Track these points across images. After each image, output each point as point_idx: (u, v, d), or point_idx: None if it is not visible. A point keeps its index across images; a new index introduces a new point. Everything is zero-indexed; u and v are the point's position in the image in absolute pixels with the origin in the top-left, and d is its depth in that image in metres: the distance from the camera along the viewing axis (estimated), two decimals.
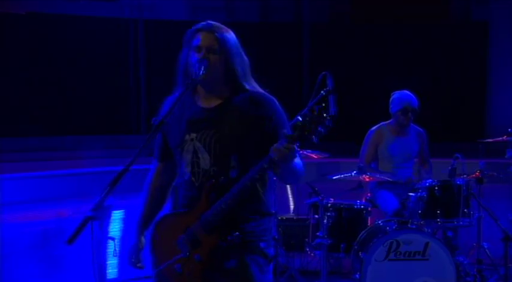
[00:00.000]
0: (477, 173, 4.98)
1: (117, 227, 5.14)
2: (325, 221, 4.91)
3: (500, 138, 5.09)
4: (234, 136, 2.63)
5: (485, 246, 5.15)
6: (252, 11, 8.42)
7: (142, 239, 2.80)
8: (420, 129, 5.39)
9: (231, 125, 2.63)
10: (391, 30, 7.79)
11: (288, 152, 2.42)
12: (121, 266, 5.03)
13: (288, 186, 5.45)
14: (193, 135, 2.65)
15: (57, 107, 7.39)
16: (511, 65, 7.28)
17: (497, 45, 7.57)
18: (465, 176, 4.92)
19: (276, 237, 4.81)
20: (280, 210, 5.36)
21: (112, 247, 5.11)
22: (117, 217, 5.25)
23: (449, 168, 4.86)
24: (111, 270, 5.13)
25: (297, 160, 2.55)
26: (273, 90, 2.79)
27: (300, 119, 2.45)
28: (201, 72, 2.60)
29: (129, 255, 2.81)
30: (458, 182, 4.75)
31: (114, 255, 5.10)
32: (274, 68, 7.39)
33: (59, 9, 7.43)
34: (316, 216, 5.06)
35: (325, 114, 2.42)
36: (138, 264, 2.80)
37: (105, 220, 2.51)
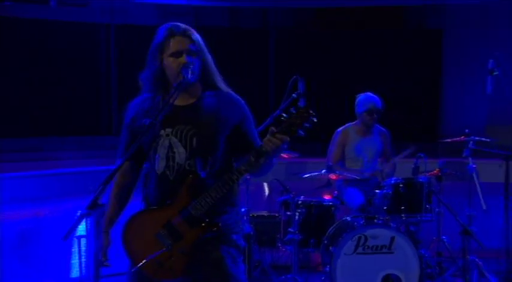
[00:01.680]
0: (436, 171, 5.04)
1: (82, 226, 5.04)
2: (296, 217, 4.92)
3: (458, 139, 5.15)
4: (209, 132, 2.64)
5: (445, 240, 5.24)
6: (220, 16, 8.39)
7: (108, 236, 2.73)
8: (384, 129, 5.46)
9: (206, 122, 2.65)
10: (352, 36, 7.85)
11: (280, 143, 2.46)
12: (86, 265, 4.95)
13: (264, 184, 5.44)
14: (169, 130, 2.64)
15: (28, 108, 7.19)
16: (464, 72, 7.42)
17: (451, 53, 7.71)
18: (427, 174, 4.98)
19: (251, 233, 4.81)
20: (252, 207, 5.34)
21: (77, 246, 5.05)
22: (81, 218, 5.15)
23: (413, 166, 4.94)
24: (76, 269, 5.04)
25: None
26: (241, 93, 2.82)
27: (286, 115, 2.51)
28: (190, 77, 2.61)
29: (96, 253, 2.67)
30: (420, 180, 4.83)
31: (80, 254, 5.03)
32: (242, 71, 7.38)
33: (30, 13, 7.27)
34: (288, 213, 5.06)
35: (310, 111, 2.49)
36: (105, 263, 2.71)
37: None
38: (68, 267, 5.06)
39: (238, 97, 2.75)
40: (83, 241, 4.95)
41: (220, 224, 2.62)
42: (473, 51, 7.21)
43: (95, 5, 7.68)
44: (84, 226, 5.04)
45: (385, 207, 4.77)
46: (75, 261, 5.10)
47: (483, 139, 5.17)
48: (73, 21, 7.47)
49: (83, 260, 5.02)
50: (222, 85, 2.75)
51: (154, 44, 2.70)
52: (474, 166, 4.99)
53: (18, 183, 5.59)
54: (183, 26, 2.69)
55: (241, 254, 2.71)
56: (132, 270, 2.65)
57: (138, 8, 8.16)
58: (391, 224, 4.66)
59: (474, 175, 4.97)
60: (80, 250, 5.02)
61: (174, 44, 2.64)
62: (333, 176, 5.05)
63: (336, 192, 5.32)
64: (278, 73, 7.64)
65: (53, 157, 6.86)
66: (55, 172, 6.11)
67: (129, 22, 7.96)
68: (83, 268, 4.96)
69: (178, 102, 2.66)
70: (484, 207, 4.89)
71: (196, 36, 2.69)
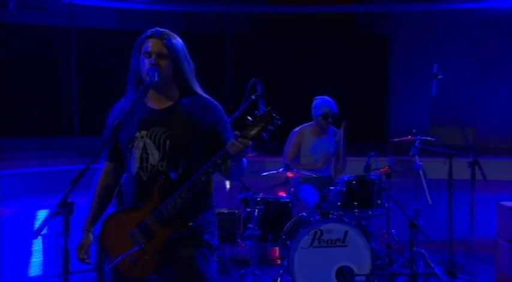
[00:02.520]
0: (386, 169, 5.13)
1: (38, 227, 4.97)
2: (255, 213, 4.95)
3: (406, 138, 5.25)
4: (183, 135, 2.64)
5: (394, 233, 5.35)
6: (177, 21, 8.37)
7: (90, 235, 2.73)
8: (337, 130, 5.49)
9: (181, 126, 2.64)
10: (305, 41, 7.93)
11: (243, 147, 2.48)
12: (46, 263, 4.87)
13: (227, 182, 5.45)
14: (144, 132, 2.64)
15: None
16: (410, 75, 7.56)
17: (397, 57, 7.85)
18: (377, 171, 5.08)
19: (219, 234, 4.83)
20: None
21: (38, 245, 4.97)
22: (42, 216, 5.08)
23: (364, 164, 5.04)
24: (35, 268, 4.96)
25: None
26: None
27: (251, 118, 2.51)
28: (155, 78, 2.61)
29: (77, 251, 2.71)
30: (372, 177, 4.92)
31: (41, 253, 4.95)
32: (200, 74, 7.33)
33: None
34: (247, 209, 5.09)
35: (274, 115, 2.49)
36: (87, 260, 2.72)
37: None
38: (27, 266, 4.97)
39: (214, 102, 2.73)
40: (45, 239, 4.88)
41: (191, 224, 2.61)
42: (418, 56, 7.37)
43: (56, 8, 7.56)
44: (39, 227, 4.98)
45: (339, 203, 4.83)
46: (36, 259, 5.01)
47: (428, 138, 5.26)
48: (34, 24, 7.34)
49: (40, 258, 4.96)
50: (199, 90, 2.73)
51: (135, 46, 2.69)
52: (420, 164, 5.09)
53: None
54: (164, 31, 2.68)
55: (213, 254, 2.70)
56: (109, 267, 2.67)
57: (98, 12, 8.07)
58: (345, 218, 4.70)
59: (421, 172, 5.07)
60: (43, 248, 4.95)
61: (148, 44, 2.63)
62: (289, 174, 5.09)
63: (292, 189, 5.36)
64: (235, 75, 7.68)
65: (13, 158, 6.72)
66: (15, 172, 5.99)
67: (90, 25, 7.87)
68: (45, 266, 4.89)
69: (155, 105, 2.67)
70: (430, 202, 4.98)
71: (173, 41, 2.65)
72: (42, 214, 5.15)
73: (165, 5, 8.30)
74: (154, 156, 2.62)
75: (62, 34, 7.35)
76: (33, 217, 5.14)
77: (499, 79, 7.15)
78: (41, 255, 4.94)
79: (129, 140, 2.65)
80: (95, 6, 7.88)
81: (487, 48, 7.32)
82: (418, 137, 5.16)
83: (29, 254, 5.05)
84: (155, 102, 2.68)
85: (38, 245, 4.99)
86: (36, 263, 5.00)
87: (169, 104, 2.68)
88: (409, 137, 5.21)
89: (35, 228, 4.90)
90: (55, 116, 7.38)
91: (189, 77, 2.70)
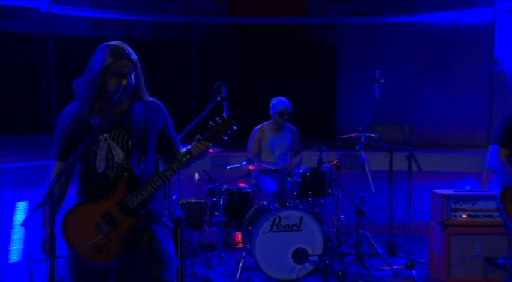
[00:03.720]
0: (336, 162, 5.16)
1: (21, 216, 4.89)
2: (220, 202, 4.99)
3: (352, 135, 5.29)
4: (142, 135, 2.66)
5: (342, 218, 5.41)
6: (148, 30, 8.27)
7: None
8: (293, 127, 5.57)
9: (138, 126, 2.67)
10: (263, 49, 7.92)
11: (205, 148, 2.58)
12: (24, 250, 4.81)
13: (195, 175, 5.45)
14: (106, 135, 2.63)
15: None
16: (355, 79, 7.62)
17: (344, 64, 7.90)
18: (328, 164, 5.12)
19: (182, 217, 4.83)
20: (183, 195, 5.34)
21: (18, 234, 4.89)
22: (21, 207, 5.00)
23: (317, 158, 5.07)
24: (16, 254, 4.89)
25: None
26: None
27: (212, 123, 2.59)
28: (126, 94, 2.64)
29: (43, 246, 2.61)
30: (323, 169, 4.98)
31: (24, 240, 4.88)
32: (168, 79, 7.28)
33: None
34: (213, 199, 5.11)
35: (233, 120, 2.58)
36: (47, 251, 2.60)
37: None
38: (6, 253, 4.89)
39: (160, 104, 2.78)
40: (27, 228, 4.80)
41: (153, 210, 2.65)
42: (363, 63, 7.45)
43: (34, 17, 7.39)
44: (23, 216, 4.91)
45: (295, 193, 4.89)
46: (15, 247, 4.93)
47: (372, 135, 5.30)
48: (14, 31, 7.14)
49: (20, 246, 4.89)
50: (147, 95, 2.76)
51: (97, 60, 2.64)
52: (365, 157, 5.15)
53: None
54: (125, 49, 2.66)
55: (170, 232, 2.75)
56: (72, 255, 2.62)
57: (75, 20, 7.93)
58: (300, 206, 4.78)
59: (365, 164, 5.13)
60: (24, 236, 4.87)
61: (119, 66, 2.61)
62: (251, 167, 5.15)
63: (253, 180, 5.39)
64: (201, 80, 7.64)
65: None
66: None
67: (67, 33, 7.72)
68: (27, 253, 4.81)
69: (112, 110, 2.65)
70: (373, 190, 5.07)
71: (135, 56, 2.68)
72: (21, 205, 5.04)
73: (137, 15, 8.20)
74: (119, 156, 2.63)
75: (40, 40, 7.17)
76: (13, 208, 5.03)
77: (433, 84, 7.33)
78: (22, 243, 4.86)
79: (93, 142, 2.61)
80: (72, 16, 7.73)
81: (423, 57, 7.49)
82: (363, 134, 5.22)
83: (9, 241, 4.94)
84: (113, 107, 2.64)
85: (18, 233, 4.90)
86: (17, 250, 4.91)
87: (123, 108, 2.68)
88: (355, 134, 5.27)
89: (21, 218, 4.83)
90: (34, 115, 7.18)
91: (142, 85, 2.73)
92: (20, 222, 4.45)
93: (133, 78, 2.63)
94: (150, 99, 2.76)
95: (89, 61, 2.74)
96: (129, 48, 2.69)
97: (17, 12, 7.42)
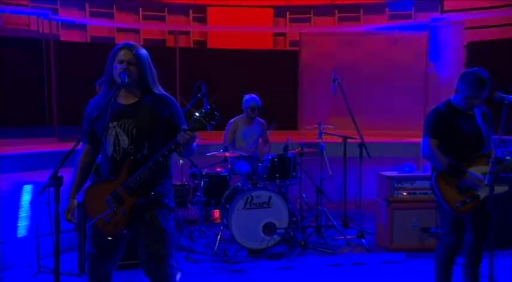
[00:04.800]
0: (299, 149, 5.15)
1: (28, 197, 4.81)
2: (201, 184, 4.98)
3: (313, 127, 5.32)
4: (146, 124, 2.63)
5: (305, 197, 5.41)
6: (137, 36, 8.15)
7: (75, 201, 2.70)
8: (262, 120, 5.57)
9: (144, 117, 2.63)
10: (237, 54, 7.88)
11: (190, 138, 2.51)
12: (37, 225, 4.72)
13: (180, 160, 5.40)
14: (115, 123, 2.62)
15: None
16: (315, 80, 7.63)
17: (305, 66, 7.92)
18: (293, 151, 5.12)
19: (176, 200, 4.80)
20: None
21: (25, 212, 4.81)
22: (28, 189, 4.92)
23: (284, 146, 5.05)
24: (22, 230, 4.81)
25: (195, 142, 2.62)
26: None
27: (198, 115, 2.53)
28: (126, 80, 2.60)
29: (66, 213, 2.68)
30: (289, 156, 4.97)
31: (28, 218, 4.80)
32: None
33: None
34: (195, 181, 5.11)
35: (215, 113, 2.53)
36: (73, 220, 2.70)
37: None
38: (15, 229, 4.81)
39: (170, 97, 2.71)
40: (35, 206, 4.71)
41: (152, 193, 2.62)
42: (321, 66, 7.48)
43: (38, 25, 7.23)
44: (29, 197, 4.82)
45: (265, 176, 4.90)
46: (23, 224, 4.85)
47: (329, 127, 5.35)
48: (19, 37, 6.96)
49: (26, 223, 4.82)
50: (158, 89, 2.71)
51: (110, 55, 2.65)
52: (323, 145, 5.20)
53: None
54: (134, 43, 2.66)
55: (171, 213, 2.71)
56: (89, 223, 2.67)
57: (71, 27, 7.78)
58: (269, 187, 4.79)
59: (324, 151, 5.18)
60: (32, 214, 4.79)
61: (121, 54, 2.61)
62: (227, 154, 5.13)
63: (229, 165, 5.38)
64: (183, 80, 7.57)
65: (4, 143, 6.37)
66: (5, 155, 5.68)
67: (65, 39, 7.57)
68: (36, 228, 4.74)
69: (123, 101, 2.65)
70: (330, 173, 5.16)
71: (140, 52, 2.64)
72: (28, 187, 4.96)
73: (127, 24, 8.09)
74: (124, 142, 2.61)
75: (42, 45, 7.01)
76: (21, 190, 4.94)
77: (379, 84, 7.42)
78: (29, 220, 4.77)
79: (105, 129, 2.63)
80: (69, 23, 7.58)
81: (371, 61, 7.55)
82: (322, 126, 5.26)
83: (17, 219, 4.86)
84: (123, 99, 2.66)
85: (25, 211, 4.82)
86: (24, 226, 4.83)
87: (134, 100, 2.67)
88: (315, 125, 5.30)
89: (28, 198, 4.74)
90: (37, 109, 7.02)
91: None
92: (27, 201, 4.37)
93: (126, 76, 2.59)
94: (160, 93, 2.70)
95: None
96: (138, 47, 2.66)
97: (22, 20, 7.26)
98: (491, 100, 3.02)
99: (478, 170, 3.17)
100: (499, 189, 2.98)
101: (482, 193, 3.14)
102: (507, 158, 3.18)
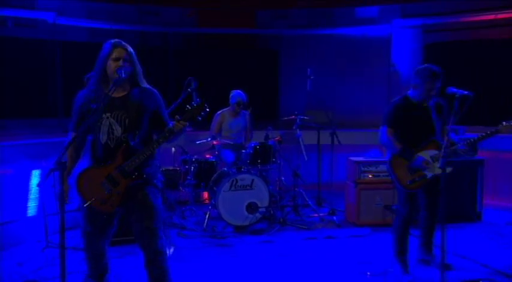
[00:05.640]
0: (278, 138, 5.17)
1: (36, 180, 4.77)
2: (191, 169, 4.98)
3: (291, 117, 5.33)
4: (136, 115, 2.63)
5: (283, 180, 5.43)
6: (133, 37, 8.03)
7: (68, 183, 2.66)
8: (246, 112, 5.48)
9: (134, 108, 2.63)
10: (224, 53, 7.84)
11: (182, 127, 2.53)
12: (39, 206, 4.70)
13: (172, 148, 5.38)
14: (108, 114, 2.61)
15: None
16: (293, 76, 7.64)
17: (285, 64, 7.91)
18: (273, 139, 5.16)
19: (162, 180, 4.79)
20: (162, 164, 5.28)
21: (34, 194, 4.77)
22: (36, 174, 4.88)
23: (265, 135, 5.05)
24: (33, 209, 4.79)
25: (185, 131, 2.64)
26: None
27: (189, 107, 2.55)
28: (123, 76, 2.59)
29: (60, 194, 2.63)
30: (269, 143, 4.95)
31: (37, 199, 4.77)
32: (151, 80, 7.11)
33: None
34: (186, 166, 5.09)
35: (205, 105, 2.55)
36: (68, 201, 2.65)
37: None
38: (25, 209, 4.77)
39: (154, 91, 2.73)
40: (42, 188, 4.67)
41: (144, 175, 2.63)
42: (298, 64, 7.49)
43: (44, 26, 7.09)
44: (37, 180, 4.78)
45: (248, 161, 4.88)
46: (32, 204, 4.82)
47: (305, 118, 5.36)
48: (27, 37, 6.82)
49: (35, 203, 4.78)
50: (145, 83, 2.71)
51: (103, 52, 2.61)
52: (300, 134, 5.21)
53: None
54: (122, 43, 2.65)
55: (159, 192, 2.74)
56: (85, 205, 2.63)
57: (75, 29, 7.63)
58: (252, 171, 4.80)
59: (300, 140, 5.19)
60: (40, 195, 4.76)
61: (115, 52, 2.59)
62: (215, 142, 5.13)
63: (216, 152, 5.35)
64: (177, 77, 7.50)
65: (12, 133, 6.29)
66: (14, 143, 5.60)
67: (69, 39, 7.42)
68: (43, 208, 4.71)
69: (115, 94, 2.63)
70: (306, 158, 5.16)
71: (130, 50, 2.65)
72: (36, 172, 4.93)
73: (125, 25, 7.96)
74: (118, 131, 2.61)
75: (48, 45, 6.88)
76: (29, 175, 4.90)
77: (348, 81, 7.48)
78: (38, 201, 4.74)
79: (99, 120, 2.60)
80: (73, 25, 7.44)
81: (342, 60, 7.60)
82: (298, 117, 5.26)
83: (27, 200, 4.83)
84: (115, 92, 2.62)
85: (34, 193, 4.79)
86: (33, 207, 4.80)
87: (124, 93, 2.65)
88: (293, 116, 5.30)
89: (36, 181, 4.70)
90: (43, 103, 6.91)
91: (139, 75, 2.68)
92: (36, 184, 4.34)
93: (123, 72, 2.58)
94: (147, 86, 2.70)
95: (89, 59, 2.68)
96: (126, 44, 2.65)
97: (29, 22, 7.12)
98: (445, 94, 3.08)
99: (427, 154, 3.27)
100: (446, 170, 3.04)
101: (429, 173, 3.24)
102: (459, 146, 3.26)
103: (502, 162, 5.58)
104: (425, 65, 3.34)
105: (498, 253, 3.91)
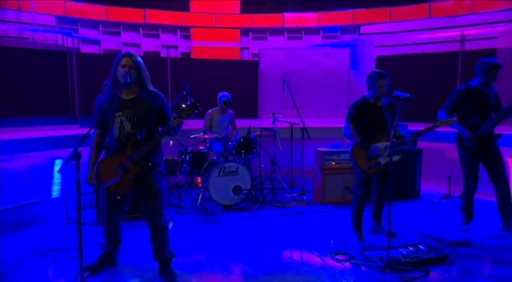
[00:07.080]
0: (259, 133, 5.18)
1: (58, 168, 4.69)
2: (187, 159, 4.93)
3: (270, 116, 5.36)
4: (143, 114, 2.62)
5: (263, 167, 5.41)
6: (137, 48, 7.90)
7: (93, 170, 2.67)
8: (232, 111, 5.50)
9: (141, 108, 2.62)
10: (214, 64, 7.78)
11: (179, 123, 2.56)
12: (62, 190, 4.65)
13: (170, 141, 5.32)
14: (120, 113, 2.60)
15: (24, 101, 6.27)
16: (270, 82, 7.65)
17: (264, 72, 7.91)
18: (254, 133, 5.16)
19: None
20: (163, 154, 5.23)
21: (56, 179, 4.70)
22: (58, 163, 4.81)
23: (247, 130, 5.09)
24: (56, 192, 4.71)
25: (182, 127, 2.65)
26: None
27: (184, 105, 2.54)
28: (128, 80, 2.57)
29: (88, 179, 2.66)
30: (251, 137, 4.94)
31: (59, 184, 4.70)
32: (156, 81, 7.02)
33: (16, 44, 6.35)
34: (182, 156, 5.03)
35: (198, 104, 2.56)
36: (94, 183, 2.67)
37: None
38: (50, 192, 4.69)
39: (160, 93, 2.72)
40: (63, 175, 4.57)
41: (150, 164, 2.63)
42: (274, 71, 7.50)
43: (62, 40, 6.91)
44: (59, 167, 4.69)
45: (234, 152, 4.85)
46: (55, 188, 4.75)
47: (281, 116, 5.39)
48: (49, 50, 6.65)
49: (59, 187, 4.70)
50: (151, 87, 2.70)
51: (115, 61, 2.61)
52: (277, 129, 5.22)
53: (17, 144, 4.97)
54: (131, 53, 2.62)
55: (163, 178, 2.73)
56: (104, 187, 2.64)
57: (90, 43, 7.46)
58: (237, 160, 4.76)
59: (277, 134, 5.21)
60: (61, 181, 4.69)
61: (123, 61, 2.58)
62: (206, 136, 5.10)
63: (208, 145, 5.32)
64: (173, 82, 7.42)
65: (42, 129, 6.16)
66: (39, 137, 5.47)
67: (85, 51, 7.26)
68: (61, 192, 4.63)
69: (125, 97, 2.62)
70: (281, 149, 5.19)
71: (138, 59, 2.62)
72: (58, 162, 4.84)
73: (128, 38, 7.82)
74: (128, 127, 2.59)
75: (67, 55, 6.72)
76: (53, 163, 4.82)
77: (315, 85, 7.52)
78: (60, 185, 4.67)
79: (112, 117, 2.59)
80: (88, 39, 7.28)
81: (311, 69, 7.63)
82: (275, 115, 5.28)
83: (52, 184, 4.75)
84: (125, 95, 2.63)
85: (57, 179, 4.72)
86: (56, 190, 4.72)
87: (133, 95, 2.64)
88: (271, 115, 5.32)
89: (57, 169, 4.60)
90: (63, 104, 6.77)
91: (145, 80, 2.66)
92: (58, 171, 4.29)
93: (128, 78, 2.57)
94: (153, 89, 2.69)
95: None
96: (136, 55, 2.63)
97: (51, 37, 6.96)
98: (392, 96, 3.14)
99: (381, 144, 3.33)
100: (395, 158, 3.12)
101: (382, 160, 3.30)
102: (406, 138, 3.33)
103: (436, 151, 5.75)
104: (373, 70, 3.42)
105: (432, 223, 4.03)
